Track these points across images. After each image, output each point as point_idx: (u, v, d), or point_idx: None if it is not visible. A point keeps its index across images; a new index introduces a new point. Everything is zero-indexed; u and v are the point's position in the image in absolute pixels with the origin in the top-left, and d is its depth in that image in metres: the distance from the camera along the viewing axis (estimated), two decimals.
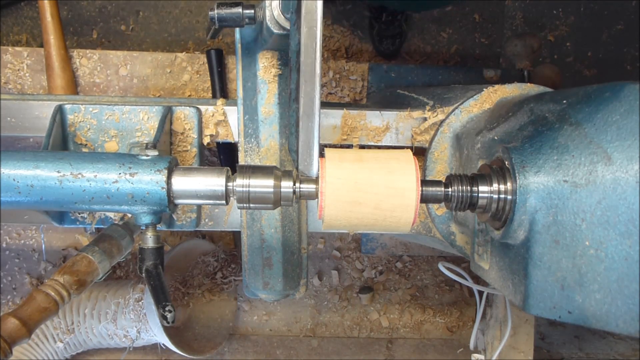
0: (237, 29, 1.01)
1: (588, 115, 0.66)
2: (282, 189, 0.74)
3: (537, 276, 0.67)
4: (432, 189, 0.74)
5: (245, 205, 0.75)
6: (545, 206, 0.66)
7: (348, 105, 1.11)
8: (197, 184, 0.77)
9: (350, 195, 0.71)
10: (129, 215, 1.05)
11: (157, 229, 0.84)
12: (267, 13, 0.84)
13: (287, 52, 0.85)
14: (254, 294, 1.16)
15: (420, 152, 1.05)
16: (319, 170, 0.73)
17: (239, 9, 0.85)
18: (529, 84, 0.97)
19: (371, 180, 0.71)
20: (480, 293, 1.36)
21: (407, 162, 0.72)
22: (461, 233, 1.01)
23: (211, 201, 0.78)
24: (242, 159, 1.07)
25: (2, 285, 1.91)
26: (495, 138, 0.81)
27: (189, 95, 1.82)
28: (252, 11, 0.86)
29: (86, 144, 1.06)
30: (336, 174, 0.71)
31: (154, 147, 0.79)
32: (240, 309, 2.00)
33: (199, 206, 1.12)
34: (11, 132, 1.07)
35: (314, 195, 0.74)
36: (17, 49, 1.77)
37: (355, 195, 0.71)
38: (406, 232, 0.78)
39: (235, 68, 1.06)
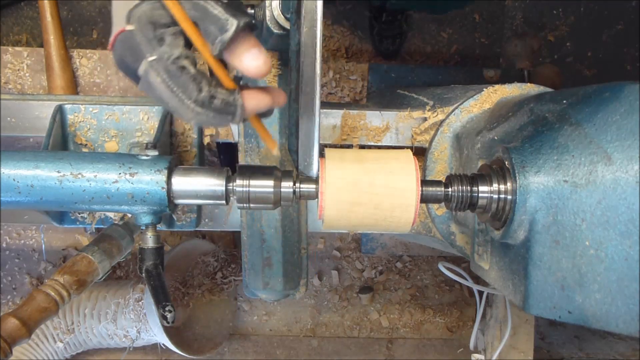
0: None
1: (588, 115, 0.66)
2: (282, 189, 0.74)
3: (537, 276, 0.67)
4: (432, 189, 0.74)
5: (245, 205, 0.75)
6: (545, 206, 0.66)
7: (348, 105, 1.11)
8: (197, 184, 0.77)
9: (350, 196, 0.70)
10: (129, 215, 1.05)
11: (157, 229, 0.84)
12: (267, 13, 0.84)
13: (287, 52, 0.85)
14: (254, 294, 1.16)
15: (420, 152, 1.05)
16: (319, 171, 0.73)
17: None
18: (529, 84, 0.96)
19: (371, 180, 0.71)
20: (480, 293, 1.36)
21: (407, 162, 0.72)
22: (461, 233, 1.01)
23: (211, 201, 0.78)
24: (242, 159, 1.07)
25: (2, 285, 1.91)
26: (495, 138, 0.81)
27: None
28: (252, 11, 0.85)
29: (86, 144, 1.06)
30: (336, 174, 0.71)
31: (154, 147, 0.79)
32: (240, 309, 2.00)
33: (199, 206, 1.12)
34: (11, 132, 1.07)
35: (314, 196, 0.74)
36: (17, 49, 1.77)
37: (356, 196, 0.70)
38: (406, 232, 0.78)
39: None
